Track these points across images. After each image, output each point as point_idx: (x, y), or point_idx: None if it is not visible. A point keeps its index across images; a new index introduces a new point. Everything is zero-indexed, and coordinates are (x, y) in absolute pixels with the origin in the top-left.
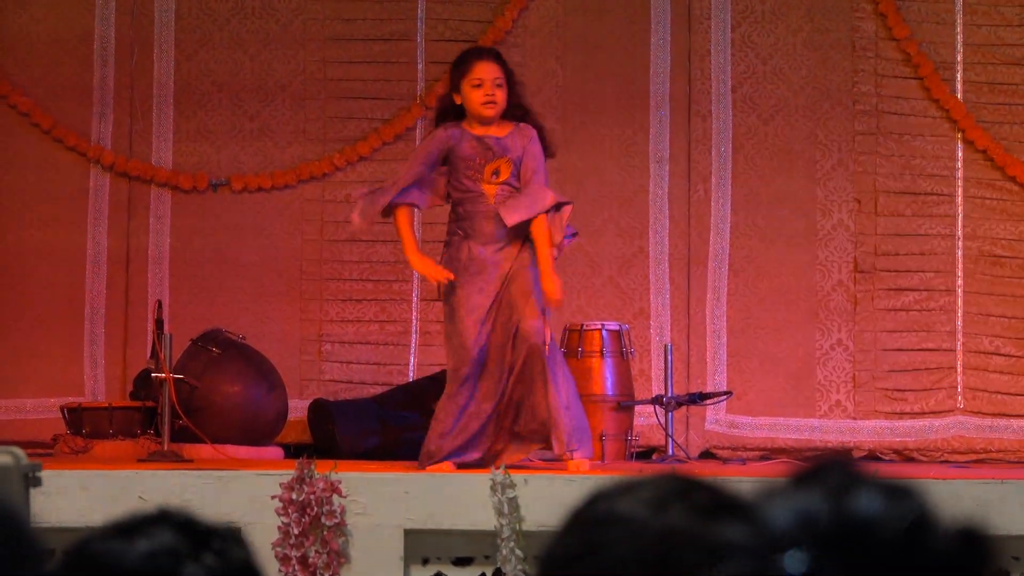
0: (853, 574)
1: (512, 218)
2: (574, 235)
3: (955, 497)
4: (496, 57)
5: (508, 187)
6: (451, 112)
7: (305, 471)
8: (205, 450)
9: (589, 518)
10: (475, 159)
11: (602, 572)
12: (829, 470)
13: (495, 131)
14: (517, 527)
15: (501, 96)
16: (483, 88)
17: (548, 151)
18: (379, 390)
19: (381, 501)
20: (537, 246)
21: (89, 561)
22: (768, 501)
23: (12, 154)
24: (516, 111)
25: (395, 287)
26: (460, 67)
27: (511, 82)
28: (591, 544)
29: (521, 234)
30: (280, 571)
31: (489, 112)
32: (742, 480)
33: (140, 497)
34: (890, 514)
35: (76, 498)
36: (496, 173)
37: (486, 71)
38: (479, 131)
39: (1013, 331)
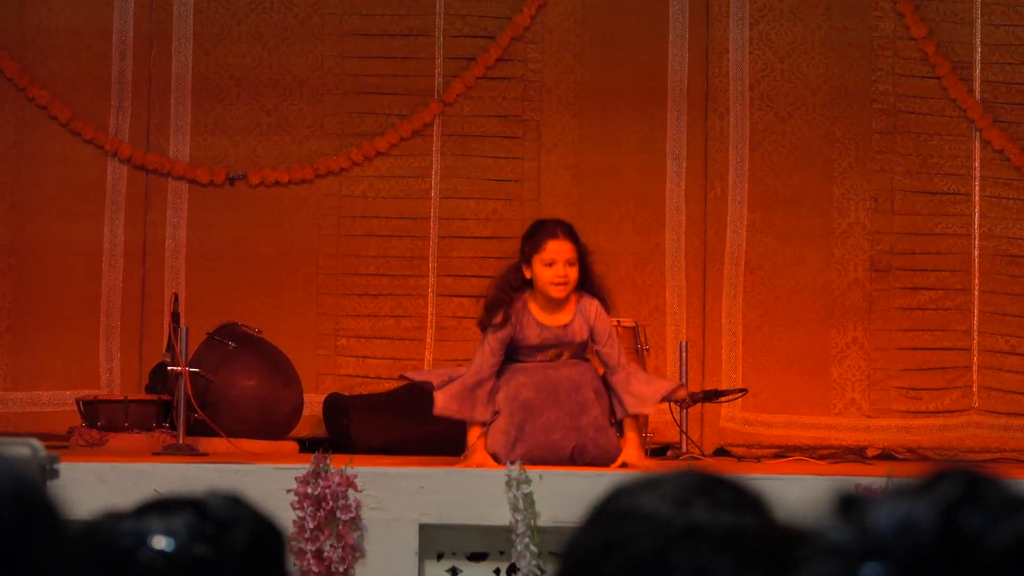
0: None
1: (646, 408)
2: None
3: None
4: (569, 233)
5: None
6: (515, 281)
7: (320, 465)
8: (220, 444)
9: (611, 514)
10: (541, 347)
11: (625, 568)
12: (947, 479)
13: (560, 317)
14: (532, 523)
15: (573, 275)
16: (555, 268)
17: (609, 310)
18: (394, 385)
19: (396, 496)
20: (628, 429)
21: (107, 541)
22: (878, 504)
23: (30, 147)
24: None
25: (411, 282)
26: (531, 241)
27: (583, 256)
28: (613, 540)
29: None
30: (295, 565)
31: (559, 294)
32: (756, 478)
33: (155, 490)
34: (999, 529)
35: (92, 490)
36: (559, 356)
37: (559, 250)
38: (544, 317)
39: None
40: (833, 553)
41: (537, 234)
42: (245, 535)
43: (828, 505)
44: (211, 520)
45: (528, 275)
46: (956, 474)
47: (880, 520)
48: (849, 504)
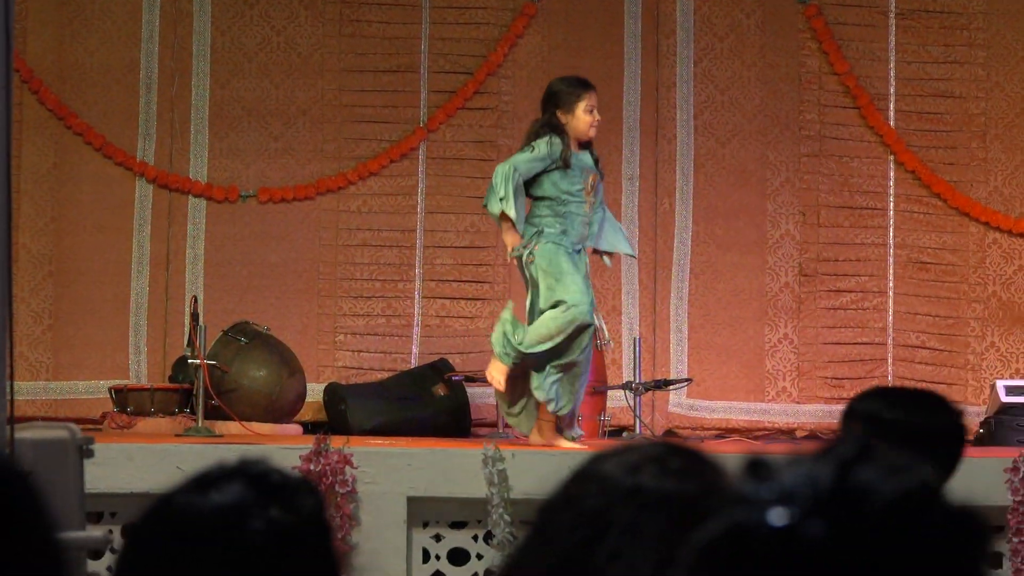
0: (839, 535)
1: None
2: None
3: None
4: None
5: (593, 198)
6: (550, 126)
7: (321, 445)
8: (234, 427)
9: (576, 475)
10: (584, 170)
11: (574, 520)
12: (844, 444)
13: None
14: (506, 495)
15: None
16: (594, 115)
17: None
18: (385, 375)
19: (387, 472)
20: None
21: (169, 513)
22: (784, 464)
23: (69, 169)
24: None
25: (400, 286)
26: (576, 90)
27: None
28: (569, 496)
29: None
30: None
31: (593, 135)
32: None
33: (177, 467)
34: (886, 482)
35: (123, 468)
36: (594, 186)
37: (596, 100)
38: (576, 149)
39: (936, 328)
40: (744, 502)
41: (577, 85)
42: (309, 505)
43: (741, 468)
44: (264, 493)
45: (563, 120)
46: (852, 440)
47: (785, 475)
48: (758, 466)
